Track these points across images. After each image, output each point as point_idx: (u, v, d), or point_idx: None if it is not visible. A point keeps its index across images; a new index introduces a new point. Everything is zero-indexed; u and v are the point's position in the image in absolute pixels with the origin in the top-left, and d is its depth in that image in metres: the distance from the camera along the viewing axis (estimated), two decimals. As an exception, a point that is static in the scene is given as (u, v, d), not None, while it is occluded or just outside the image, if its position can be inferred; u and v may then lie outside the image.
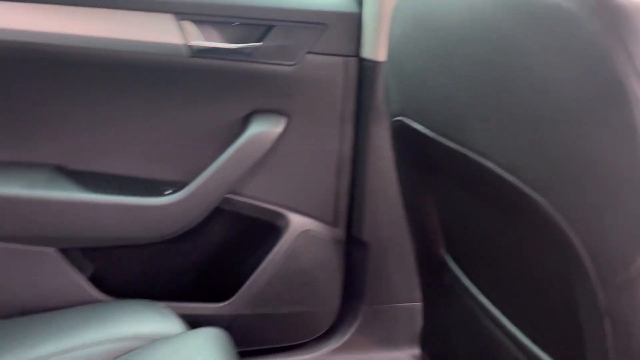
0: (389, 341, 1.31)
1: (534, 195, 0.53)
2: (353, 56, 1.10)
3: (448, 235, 0.90)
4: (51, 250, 1.10)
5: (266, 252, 1.19)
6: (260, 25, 1.06)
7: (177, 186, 1.12)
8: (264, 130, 1.09)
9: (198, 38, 1.05)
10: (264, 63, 1.07)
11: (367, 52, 1.08)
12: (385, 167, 1.14)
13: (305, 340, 1.28)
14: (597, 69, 0.43)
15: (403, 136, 0.83)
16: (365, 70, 1.10)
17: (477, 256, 0.81)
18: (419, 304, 1.01)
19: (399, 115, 0.82)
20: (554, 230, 0.51)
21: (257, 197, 1.16)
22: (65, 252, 1.12)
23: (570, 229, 0.49)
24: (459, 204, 0.80)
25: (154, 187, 1.13)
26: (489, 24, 0.56)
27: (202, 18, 1.05)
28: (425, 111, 0.73)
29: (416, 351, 1.28)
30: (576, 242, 0.49)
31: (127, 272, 1.21)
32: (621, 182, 0.43)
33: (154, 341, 0.89)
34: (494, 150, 0.58)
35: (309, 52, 1.08)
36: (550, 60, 0.48)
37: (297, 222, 1.18)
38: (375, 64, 1.07)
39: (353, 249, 1.24)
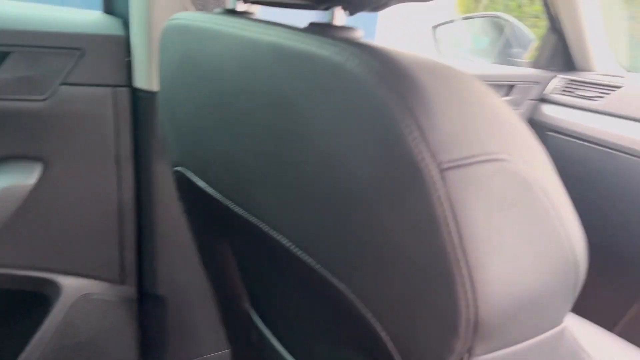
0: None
1: (333, 280, 0.44)
2: (123, 86, 0.92)
3: (251, 291, 0.80)
4: None
5: (34, 328, 0.96)
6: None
7: None
8: (11, 183, 0.86)
9: None
10: (1, 99, 0.84)
11: (140, 81, 0.92)
12: (177, 212, 1.00)
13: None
14: (388, 145, 0.36)
15: (187, 189, 0.71)
16: (140, 102, 0.93)
17: (283, 318, 0.73)
18: (228, 351, 0.90)
19: (179, 165, 0.69)
20: (360, 320, 0.43)
21: (13, 265, 0.92)
22: None
23: (376, 322, 0.42)
24: (259, 265, 0.70)
25: None
26: (267, 78, 0.47)
27: None
28: (207, 168, 0.61)
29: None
30: (384, 337, 0.42)
31: None
32: (424, 275, 0.37)
33: None
34: (285, 225, 0.49)
35: (64, 84, 0.87)
36: (337, 129, 0.40)
37: (73, 287, 0.97)
38: (151, 94, 0.92)
39: (148, 306, 1.07)
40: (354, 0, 0.44)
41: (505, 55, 1.57)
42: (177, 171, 0.70)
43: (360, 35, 0.47)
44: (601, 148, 1.31)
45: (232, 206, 0.58)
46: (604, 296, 1.54)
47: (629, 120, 1.27)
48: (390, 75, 0.37)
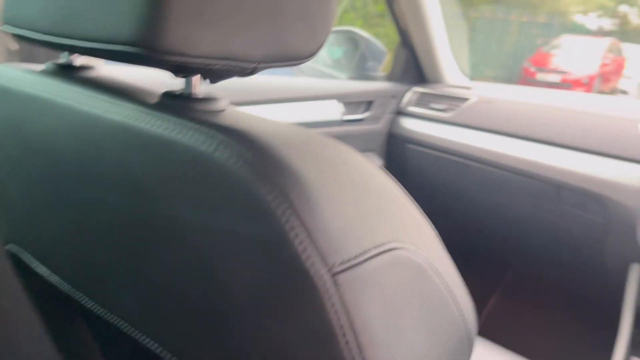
0: None
1: None
2: None
3: None
4: None
5: None
6: None
7: None
8: None
9: None
10: None
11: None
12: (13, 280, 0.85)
13: None
14: (273, 249, 0.32)
15: (23, 270, 0.59)
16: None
17: None
18: None
19: (11, 242, 0.57)
20: None
21: None
22: None
23: None
24: (125, 350, 0.61)
25: None
26: (117, 163, 0.39)
27: None
28: (47, 253, 0.51)
29: None
30: None
31: None
32: None
33: None
34: (152, 329, 0.42)
35: None
36: (210, 228, 0.35)
37: None
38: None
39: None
40: (216, 71, 0.38)
41: (361, 69, 1.60)
42: (8, 250, 0.59)
43: (224, 105, 0.41)
44: (455, 158, 1.38)
45: (83, 300, 0.49)
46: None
47: (477, 131, 1.36)
48: (268, 169, 0.32)
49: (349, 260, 0.32)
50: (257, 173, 0.32)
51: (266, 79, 1.20)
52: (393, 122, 1.52)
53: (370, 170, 0.39)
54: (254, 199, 0.32)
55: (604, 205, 1.15)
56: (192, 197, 0.35)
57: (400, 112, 1.52)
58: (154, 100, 0.41)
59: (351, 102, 1.39)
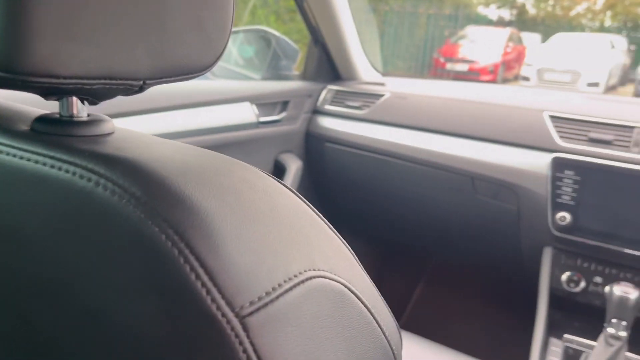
0: None
1: None
2: None
3: None
4: None
5: None
6: None
7: None
8: None
9: None
10: None
11: None
12: None
13: None
14: (172, 296, 0.28)
15: None
16: None
17: None
18: None
19: None
20: None
21: None
22: None
23: None
24: None
25: None
26: None
27: None
28: None
29: None
30: None
31: None
32: None
33: None
34: None
35: None
36: (99, 275, 0.30)
37: None
38: None
39: None
40: (95, 92, 0.34)
41: (275, 69, 1.56)
42: None
43: (110, 127, 0.37)
44: (373, 154, 1.39)
45: None
46: (388, 289, 1.67)
47: (393, 127, 1.37)
48: (160, 204, 0.28)
49: (259, 299, 0.29)
50: (146, 210, 0.28)
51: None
52: (310, 122, 1.50)
53: (281, 193, 0.35)
54: (145, 240, 0.28)
55: (515, 193, 1.20)
56: (73, 242, 0.30)
57: (317, 111, 1.50)
58: (26, 126, 0.36)
59: (266, 104, 1.36)
